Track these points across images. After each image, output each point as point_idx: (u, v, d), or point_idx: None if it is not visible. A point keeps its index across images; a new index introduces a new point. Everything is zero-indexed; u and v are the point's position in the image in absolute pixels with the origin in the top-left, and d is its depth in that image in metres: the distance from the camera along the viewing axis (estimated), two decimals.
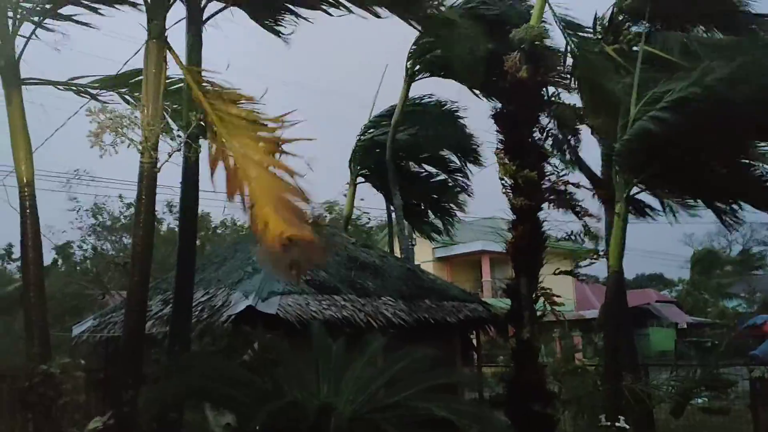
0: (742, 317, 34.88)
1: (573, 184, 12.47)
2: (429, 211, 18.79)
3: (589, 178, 13.67)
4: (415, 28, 11.00)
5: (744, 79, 9.64)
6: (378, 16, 9.70)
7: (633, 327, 15.66)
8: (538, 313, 11.37)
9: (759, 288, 38.46)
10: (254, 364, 9.80)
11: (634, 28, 12.93)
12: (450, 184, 18.02)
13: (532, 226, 11.43)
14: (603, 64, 12.54)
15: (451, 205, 18.32)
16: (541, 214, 11.60)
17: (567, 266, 12.65)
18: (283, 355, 8.77)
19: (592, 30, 13.41)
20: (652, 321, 34.90)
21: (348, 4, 9.53)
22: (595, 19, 13.48)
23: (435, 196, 18.43)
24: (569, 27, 12.92)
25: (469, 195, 18.08)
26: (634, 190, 12.07)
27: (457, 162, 17.64)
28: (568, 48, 13.10)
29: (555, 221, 12.69)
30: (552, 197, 12.23)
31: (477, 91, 15.12)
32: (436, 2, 10.62)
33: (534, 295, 11.28)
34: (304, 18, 9.93)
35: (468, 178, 17.83)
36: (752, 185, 11.64)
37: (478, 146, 16.99)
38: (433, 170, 18.24)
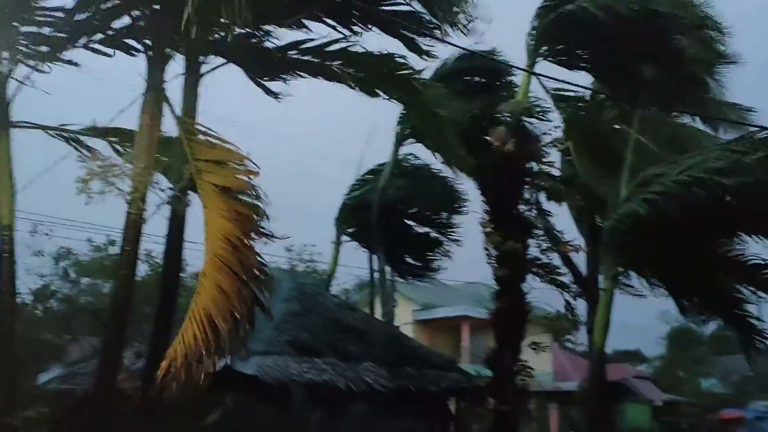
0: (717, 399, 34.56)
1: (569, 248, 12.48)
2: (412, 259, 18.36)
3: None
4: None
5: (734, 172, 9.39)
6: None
7: (612, 402, 15.47)
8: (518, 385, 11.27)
9: (733, 369, 38.38)
10: (224, 427, 9.45)
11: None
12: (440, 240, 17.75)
13: (515, 298, 11.42)
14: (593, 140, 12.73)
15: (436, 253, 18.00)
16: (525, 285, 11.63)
17: (546, 337, 12.63)
18: (256, 418, 8.52)
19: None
20: (628, 397, 34.44)
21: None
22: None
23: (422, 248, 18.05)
24: (560, 99, 13.10)
25: (450, 258, 17.83)
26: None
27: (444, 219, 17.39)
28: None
29: (536, 290, 12.67)
30: (536, 270, 12.26)
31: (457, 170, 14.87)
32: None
33: (515, 368, 11.19)
34: (301, 75, 10.05)
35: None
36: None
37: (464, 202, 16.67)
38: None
